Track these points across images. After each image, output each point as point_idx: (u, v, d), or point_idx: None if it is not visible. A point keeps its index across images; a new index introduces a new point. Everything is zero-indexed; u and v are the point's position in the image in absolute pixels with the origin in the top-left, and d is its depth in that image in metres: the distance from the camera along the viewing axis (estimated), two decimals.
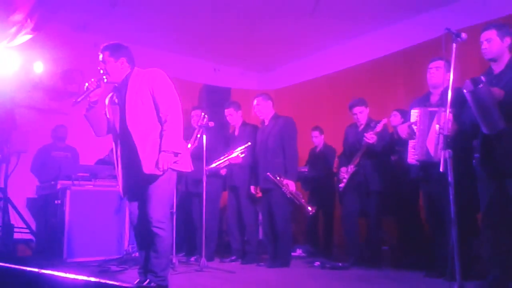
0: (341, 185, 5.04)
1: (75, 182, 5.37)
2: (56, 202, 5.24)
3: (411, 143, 4.03)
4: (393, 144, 5.02)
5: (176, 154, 3.19)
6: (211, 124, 5.06)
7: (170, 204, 3.38)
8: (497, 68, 3.37)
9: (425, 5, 6.28)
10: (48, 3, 5.21)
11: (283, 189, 4.93)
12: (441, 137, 3.06)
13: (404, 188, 4.92)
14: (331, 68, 7.74)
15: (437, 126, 3.17)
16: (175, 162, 3.23)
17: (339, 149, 5.77)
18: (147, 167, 3.16)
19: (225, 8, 6.47)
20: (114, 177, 5.86)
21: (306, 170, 6.58)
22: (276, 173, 4.94)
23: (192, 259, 5.36)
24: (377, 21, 6.88)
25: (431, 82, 4.12)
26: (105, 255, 5.15)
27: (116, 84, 3.39)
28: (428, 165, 3.90)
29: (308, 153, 6.83)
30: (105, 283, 0.92)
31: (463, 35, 3.05)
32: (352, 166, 4.97)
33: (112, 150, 6.98)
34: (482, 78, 3.07)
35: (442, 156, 2.99)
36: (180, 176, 5.35)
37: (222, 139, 5.71)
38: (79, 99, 3.13)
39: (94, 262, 4.96)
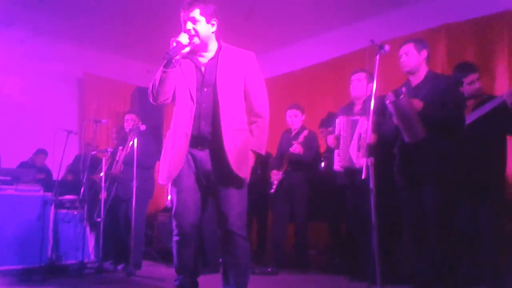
0: (272, 190, 5.09)
1: None
2: None
3: (336, 150, 4.16)
4: (319, 154, 5.17)
5: (260, 158, 2.94)
6: (143, 127, 4.96)
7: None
8: (415, 80, 3.53)
9: (354, 17, 6.52)
10: None
11: None
12: (363, 144, 3.17)
13: (332, 194, 5.04)
14: (264, 75, 7.80)
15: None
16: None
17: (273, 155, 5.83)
18: (232, 160, 2.68)
19: (158, 8, 6.36)
20: (38, 181, 5.67)
21: None
22: None
23: (119, 267, 5.20)
24: (307, 30, 7.06)
25: (353, 94, 4.30)
26: (27, 264, 4.91)
27: (197, 53, 2.80)
28: (352, 172, 4.02)
29: None
30: None
31: (386, 47, 3.16)
32: (280, 173, 5.05)
33: (38, 151, 6.82)
34: (403, 89, 3.22)
35: (364, 163, 3.09)
36: (113, 181, 5.21)
37: (154, 142, 5.60)
38: (171, 52, 2.55)
39: (15, 270, 4.71)
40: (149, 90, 2.75)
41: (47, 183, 5.71)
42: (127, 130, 5.36)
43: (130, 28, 7.04)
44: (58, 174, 5.16)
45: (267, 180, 5.48)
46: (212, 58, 2.77)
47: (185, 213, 2.72)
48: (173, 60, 2.60)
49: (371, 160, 3.07)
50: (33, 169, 6.09)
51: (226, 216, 2.70)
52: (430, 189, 3.33)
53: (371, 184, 3.05)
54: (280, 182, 5.05)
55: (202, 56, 2.78)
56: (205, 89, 2.71)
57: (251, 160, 2.78)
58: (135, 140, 4.87)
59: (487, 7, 5.37)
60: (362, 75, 4.18)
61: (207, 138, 2.70)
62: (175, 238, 2.78)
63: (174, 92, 2.75)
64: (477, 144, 3.81)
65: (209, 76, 2.73)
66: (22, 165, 6.57)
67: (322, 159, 5.18)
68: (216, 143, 2.67)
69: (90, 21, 6.86)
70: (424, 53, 3.51)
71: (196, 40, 2.66)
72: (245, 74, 2.79)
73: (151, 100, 2.79)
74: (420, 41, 3.58)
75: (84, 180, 5.14)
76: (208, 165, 2.71)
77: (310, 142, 5.03)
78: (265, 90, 2.88)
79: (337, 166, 4.15)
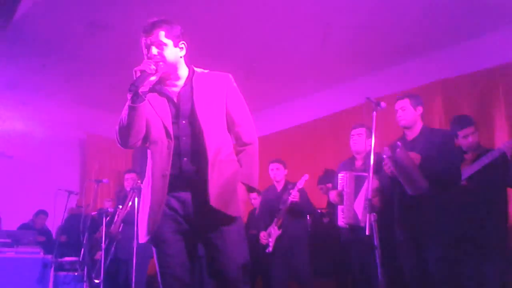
0: (269, 249, 4.92)
1: None
2: None
3: (340, 206, 4.11)
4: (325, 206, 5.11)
5: (252, 191, 2.45)
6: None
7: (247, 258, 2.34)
8: (411, 135, 3.57)
9: (351, 74, 6.67)
10: None
11: None
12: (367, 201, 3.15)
13: (337, 250, 4.96)
14: (262, 131, 7.90)
15: None
16: None
17: None
18: (216, 199, 2.23)
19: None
20: (38, 243, 5.60)
21: None
22: None
23: None
24: (305, 87, 7.22)
25: (354, 148, 4.30)
26: None
27: (166, 82, 2.39)
28: (356, 228, 3.96)
29: (247, 215, 6.77)
30: None
31: (383, 104, 3.21)
32: (276, 228, 4.93)
33: (39, 212, 6.77)
34: (398, 143, 3.25)
35: (368, 220, 3.06)
36: (111, 240, 5.15)
37: None
38: (136, 83, 2.16)
39: None
40: (116, 134, 2.32)
41: (47, 245, 5.65)
42: (127, 189, 5.36)
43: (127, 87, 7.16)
44: (56, 235, 5.11)
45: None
46: (184, 86, 2.37)
47: (174, 272, 2.24)
48: (141, 92, 2.20)
49: (373, 216, 3.05)
50: (34, 231, 6.03)
51: (225, 270, 2.24)
52: (432, 245, 3.29)
53: (375, 241, 3.01)
54: (277, 239, 4.90)
55: (172, 85, 2.38)
56: (182, 122, 2.30)
57: (241, 194, 2.34)
58: (136, 199, 4.85)
59: (481, 61, 5.50)
60: (362, 130, 4.21)
61: (191, 177, 2.26)
62: None
63: (146, 132, 2.33)
64: (477, 197, 3.80)
65: (184, 106, 2.32)
66: (23, 226, 6.52)
67: (325, 214, 5.14)
68: (200, 181, 2.23)
69: (91, 83, 7.01)
70: (420, 109, 3.57)
71: (162, 66, 2.27)
72: (225, 98, 2.39)
73: (120, 145, 2.36)
74: (415, 97, 3.64)
75: (84, 241, 5.09)
76: (191, 208, 2.25)
77: (304, 193, 4.97)
78: (249, 113, 2.47)
79: (341, 222, 4.10)
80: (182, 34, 2.37)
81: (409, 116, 3.55)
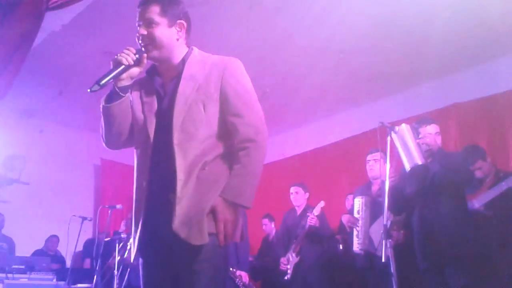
0: (287, 276, 4.87)
1: (9, 275, 5.00)
2: None
3: (355, 231, 4.05)
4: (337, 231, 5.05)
5: (241, 210, 1.85)
6: None
7: None
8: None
9: (365, 98, 6.68)
10: None
11: (236, 281, 4.70)
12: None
13: (353, 277, 4.87)
14: (276, 156, 7.89)
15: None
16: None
17: None
18: (181, 223, 1.75)
19: None
20: (52, 269, 5.58)
21: (253, 259, 6.43)
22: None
23: None
24: (320, 112, 7.22)
25: (370, 174, 4.25)
26: None
27: (157, 66, 2.01)
28: (372, 254, 3.90)
29: (261, 242, 6.71)
30: None
31: (397, 128, 3.20)
32: (294, 255, 4.86)
33: (51, 236, 6.77)
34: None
35: (383, 246, 3.01)
36: (126, 267, 5.11)
37: None
38: (103, 81, 1.80)
39: None
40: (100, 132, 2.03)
41: (61, 271, 5.63)
42: None
43: None
44: (71, 261, 5.09)
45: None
46: (176, 76, 1.94)
47: None
48: (118, 89, 1.89)
49: (390, 242, 3.00)
50: (47, 258, 6.02)
51: None
52: (454, 271, 3.23)
53: (392, 268, 2.96)
54: (295, 266, 4.83)
55: (168, 74, 1.97)
56: (165, 120, 1.87)
57: (222, 214, 1.78)
58: None
59: (496, 85, 5.46)
60: (377, 155, 4.17)
61: (165, 189, 1.81)
62: None
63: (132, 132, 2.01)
64: (496, 223, 3.74)
65: (166, 102, 1.91)
66: (36, 253, 6.52)
67: (340, 241, 5.07)
68: (171, 196, 1.78)
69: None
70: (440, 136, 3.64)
71: (153, 53, 1.90)
72: (220, 87, 1.89)
73: (104, 145, 2.08)
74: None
75: (97, 268, 5.07)
76: (165, 229, 1.77)
77: (324, 219, 4.90)
78: (253, 102, 1.95)
79: (356, 248, 4.04)
80: (184, 14, 1.96)
81: (438, 142, 3.58)
